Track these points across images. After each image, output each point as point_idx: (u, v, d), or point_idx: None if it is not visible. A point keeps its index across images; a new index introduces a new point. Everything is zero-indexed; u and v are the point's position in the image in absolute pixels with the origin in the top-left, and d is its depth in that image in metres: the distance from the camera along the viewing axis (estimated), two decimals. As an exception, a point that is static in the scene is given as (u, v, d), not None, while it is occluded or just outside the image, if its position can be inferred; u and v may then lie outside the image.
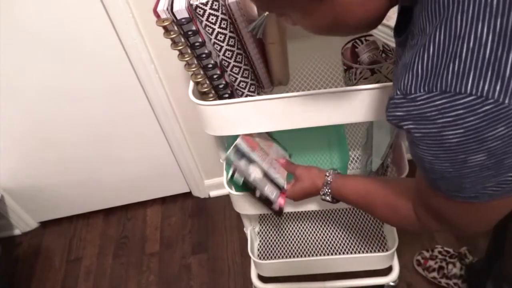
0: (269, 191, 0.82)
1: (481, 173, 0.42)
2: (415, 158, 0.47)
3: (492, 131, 0.38)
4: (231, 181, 0.84)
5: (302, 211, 1.31)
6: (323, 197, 0.80)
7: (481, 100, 0.37)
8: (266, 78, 0.83)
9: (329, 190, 0.79)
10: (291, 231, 1.28)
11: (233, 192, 0.97)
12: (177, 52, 0.75)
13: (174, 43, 0.72)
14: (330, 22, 0.49)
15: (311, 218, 1.30)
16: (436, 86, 0.39)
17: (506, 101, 0.37)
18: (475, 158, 0.41)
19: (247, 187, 0.80)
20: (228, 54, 0.74)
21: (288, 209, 1.06)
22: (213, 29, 0.70)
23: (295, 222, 1.30)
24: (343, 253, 1.19)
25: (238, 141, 0.81)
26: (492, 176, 0.43)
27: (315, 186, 0.81)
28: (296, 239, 1.25)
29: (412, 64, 0.42)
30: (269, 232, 1.29)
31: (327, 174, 0.79)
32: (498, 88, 0.37)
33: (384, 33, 0.71)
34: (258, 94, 0.84)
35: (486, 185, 0.45)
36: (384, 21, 0.69)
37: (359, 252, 1.18)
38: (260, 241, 1.27)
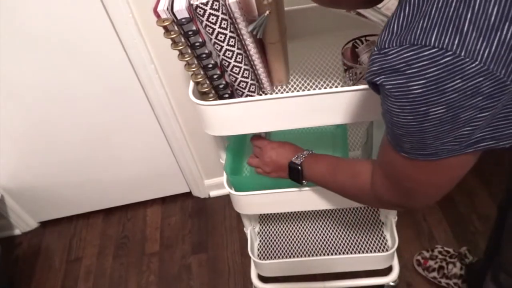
0: None
1: (440, 127, 0.46)
2: (385, 113, 0.51)
3: (450, 83, 0.42)
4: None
5: (302, 211, 1.31)
6: (294, 160, 0.81)
7: (442, 52, 0.41)
8: (266, 78, 0.83)
9: (304, 156, 0.82)
10: (291, 231, 1.28)
11: (233, 192, 0.97)
12: (177, 52, 0.75)
13: (174, 43, 0.72)
14: None
15: (311, 218, 1.30)
16: (406, 39, 0.43)
17: (462, 54, 0.40)
18: (435, 111, 0.44)
19: None
20: (228, 54, 0.74)
21: (288, 209, 1.06)
22: (214, 29, 0.70)
23: (295, 222, 1.30)
24: (343, 253, 1.19)
25: None
26: (449, 131, 0.46)
27: (289, 150, 0.84)
28: (296, 239, 1.25)
29: (390, 22, 0.47)
30: (269, 232, 1.29)
31: (302, 149, 0.84)
32: (456, 41, 0.40)
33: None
34: (258, 94, 0.84)
35: (444, 140, 0.48)
36: (387, 12, 0.69)
37: (359, 252, 1.18)
38: (260, 241, 1.27)
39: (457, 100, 0.43)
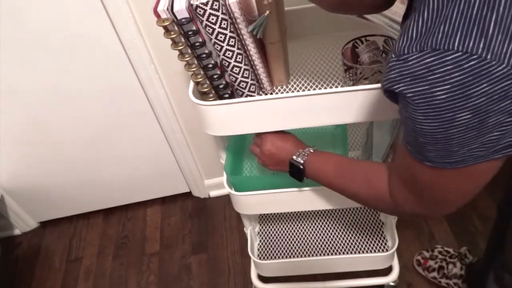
0: None
1: (467, 133, 0.44)
2: (406, 121, 0.49)
3: (476, 87, 0.41)
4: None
5: (302, 211, 1.31)
6: (296, 158, 0.77)
7: (466, 56, 0.40)
8: (266, 78, 0.83)
9: (307, 154, 0.77)
10: (291, 231, 1.28)
11: (233, 192, 0.97)
12: (177, 52, 0.75)
13: (174, 43, 0.72)
14: (339, 0, 0.52)
15: (311, 218, 1.30)
16: (427, 45, 0.42)
17: (488, 57, 0.39)
18: (461, 116, 0.43)
19: None
20: (229, 54, 0.74)
21: (288, 209, 1.06)
22: (214, 29, 0.70)
23: (295, 222, 1.30)
24: (343, 253, 1.19)
25: None
26: (476, 137, 0.45)
27: (291, 145, 0.80)
28: (296, 239, 1.25)
29: (408, 28, 0.45)
30: (269, 232, 1.29)
31: (306, 146, 0.80)
32: (481, 45, 0.39)
33: (391, 27, 0.71)
34: (258, 94, 0.84)
35: (472, 147, 0.46)
36: (390, 15, 0.69)
37: (359, 252, 1.18)
38: (260, 241, 1.27)
39: (484, 105, 0.42)
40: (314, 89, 0.84)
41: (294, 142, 0.82)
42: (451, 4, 0.42)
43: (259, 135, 0.85)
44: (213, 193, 1.68)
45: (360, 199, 0.72)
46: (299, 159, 0.78)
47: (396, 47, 0.46)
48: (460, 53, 0.40)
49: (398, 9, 0.68)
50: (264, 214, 1.33)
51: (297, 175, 0.80)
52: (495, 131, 0.44)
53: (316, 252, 1.21)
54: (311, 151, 0.79)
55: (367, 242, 1.20)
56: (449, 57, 0.41)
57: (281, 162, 0.81)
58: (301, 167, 0.77)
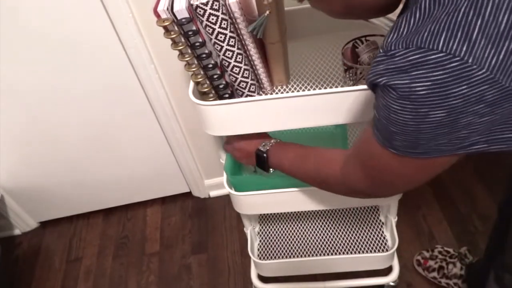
0: None
1: (437, 129, 0.46)
2: (381, 108, 0.50)
3: (455, 88, 0.42)
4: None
5: (302, 211, 1.31)
6: (260, 148, 0.83)
7: (449, 57, 0.41)
8: (266, 78, 0.83)
9: (271, 145, 0.83)
10: (291, 231, 1.28)
11: (233, 192, 0.97)
12: (177, 52, 0.75)
13: (174, 43, 0.72)
14: (342, 6, 0.53)
15: (311, 218, 1.30)
16: (412, 42, 0.44)
17: (470, 61, 0.41)
18: (436, 114, 0.45)
19: None
20: (229, 54, 0.74)
21: (288, 209, 1.06)
22: (214, 29, 0.70)
23: (295, 222, 1.30)
24: (343, 253, 1.19)
25: None
26: (446, 134, 0.47)
27: (258, 138, 0.85)
28: (296, 239, 1.25)
29: (398, 25, 0.47)
30: (269, 232, 1.29)
31: (272, 138, 0.86)
32: (464, 48, 0.41)
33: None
34: (258, 94, 0.84)
35: (438, 142, 0.48)
36: (390, 16, 0.69)
37: (359, 252, 1.18)
38: (260, 241, 1.27)
39: (460, 106, 0.43)
40: (314, 89, 0.84)
41: (262, 136, 0.86)
42: (441, 6, 0.43)
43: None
44: (213, 193, 1.68)
45: (314, 180, 0.76)
46: (263, 148, 0.83)
47: (385, 42, 0.47)
48: (443, 54, 0.41)
49: (398, 10, 0.68)
50: (264, 214, 1.33)
51: (262, 165, 0.84)
52: (464, 130, 0.46)
53: (316, 252, 1.21)
54: (275, 141, 0.84)
55: (367, 242, 1.20)
56: (433, 56, 0.42)
57: (250, 155, 0.86)
58: (265, 155, 0.82)
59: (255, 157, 0.85)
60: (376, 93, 0.52)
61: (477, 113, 0.44)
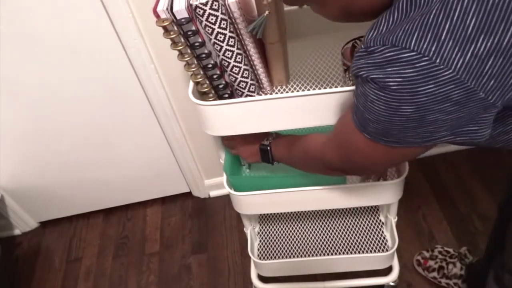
0: None
1: (406, 123, 0.49)
2: (360, 95, 0.53)
3: (423, 85, 0.45)
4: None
5: (302, 211, 1.31)
6: (264, 142, 0.87)
7: (419, 57, 0.44)
8: (265, 78, 0.83)
9: (272, 139, 0.88)
10: (291, 231, 1.28)
11: (233, 192, 0.97)
12: (177, 52, 0.75)
13: (174, 43, 0.72)
14: (339, 11, 0.56)
15: (311, 218, 1.30)
16: (388, 40, 0.46)
17: (438, 61, 0.43)
18: (405, 109, 0.47)
19: None
20: (228, 54, 0.74)
21: (288, 209, 1.06)
22: (213, 29, 0.70)
23: (295, 222, 1.30)
24: (343, 253, 1.19)
25: None
26: (414, 128, 0.50)
27: (260, 135, 0.88)
28: (296, 239, 1.25)
29: (378, 24, 0.50)
30: (269, 232, 1.29)
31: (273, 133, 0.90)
32: (433, 48, 0.43)
33: None
34: (258, 94, 0.84)
35: (408, 134, 0.52)
36: None
37: (359, 252, 1.18)
38: (260, 241, 1.27)
39: (427, 103, 0.46)
40: (314, 89, 0.84)
41: (261, 133, 0.89)
42: (417, 7, 0.46)
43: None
44: (213, 193, 1.68)
45: (302, 164, 0.82)
46: (266, 142, 0.87)
47: (365, 38, 0.51)
48: (414, 53, 0.44)
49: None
50: (264, 214, 1.33)
51: (267, 158, 0.88)
52: (431, 126, 0.49)
53: (316, 252, 1.21)
54: (275, 135, 0.88)
55: (367, 242, 1.20)
56: (405, 55, 0.45)
57: (255, 153, 0.90)
58: (268, 148, 0.86)
59: (259, 154, 0.89)
60: (357, 82, 0.55)
61: (444, 111, 0.46)
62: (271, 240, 1.27)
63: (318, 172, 0.79)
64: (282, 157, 0.86)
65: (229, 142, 0.96)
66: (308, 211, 1.30)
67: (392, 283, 1.23)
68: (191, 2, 0.67)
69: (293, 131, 0.85)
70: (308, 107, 0.75)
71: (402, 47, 0.45)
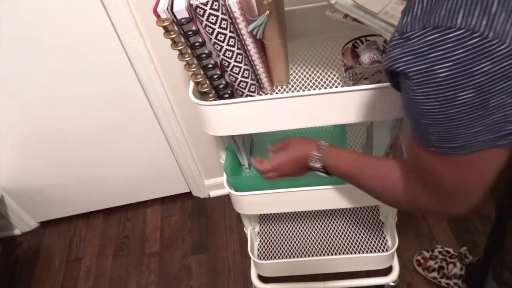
0: None
1: (469, 113, 0.43)
2: (408, 104, 0.48)
3: (478, 65, 0.40)
4: None
5: (302, 211, 1.31)
6: (312, 163, 0.76)
7: (469, 34, 0.40)
8: (266, 78, 0.83)
9: (321, 155, 0.75)
10: (291, 231, 1.28)
11: (233, 192, 0.97)
12: (177, 52, 0.75)
13: (174, 43, 0.72)
14: None
15: (311, 218, 1.30)
16: (429, 21, 0.42)
17: (490, 35, 0.39)
18: (463, 95, 0.42)
19: None
20: (228, 54, 0.74)
21: (288, 209, 1.06)
22: (213, 29, 0.70)
23: (295, 222, 1.30)
24: (343, 253, 1.19)
25: None
26: (479, 118, 0.44)
27: (305, 150, 0.77)
28: (296, 239, 1.25)
29: (412, 7, 0.45)
30: (269, 232, 1.29)
31: (321, 142, 0.77)
32: (484, 23, 0.39)
33: (387, 31, 0.71)
34: (258, 94, 0.84)
35: (475, 130, 0.45)
36: (387, 19, 0.69)
37: (359, 252, 1.18)
38: (260, 241, 1.27)
39: (486, 84, 0.41)
40: (314, 89, 0.84)
41: (301, 154, 0.78)
42: None
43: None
44: (213, 193, 1.68)
45: (379, 196, 0.69)
46: (316, 164, 0.76)
47: (399, 25, 0.46)
48: (462, 31, 0.40)
49: (394, 12, 0.67)
50: (264, 214, 1.33)
51: (318, 171, 0.78)
52: (498, 114, 0.43)
53: (316, 252, 1.21)
54: (323, 152, 0.76)
55: (367, 242, 1.20)
56: (451, 34, 0.41)
57: (301, 170, 0.81)
58: (320, 166, 0.76)
59: (308, 172, 0.80)
60: (398, 88, 0.50)
61: (506, 91, 0.42)
62: (271, 240, 1.27)
63: (401, 209, 0.68)
64: (339, 170, 0.74)
65: (272, 175, 0.84)
66: (308, 211, 1.30)
67: (392, 283, 1.23)
68: (191, 2, 0.67)
69: (293, 131, 0.85)
70: (308, 107, 0.75)
71: (447, 27, 0.41)
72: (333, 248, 1.21)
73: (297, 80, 0.87)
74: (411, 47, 0.43)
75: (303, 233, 1.27)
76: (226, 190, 0.98)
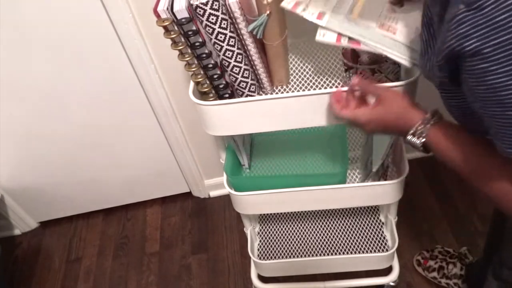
0: None
1: None
2: (484, 95, 0.38)
3: None
4: None
5: (302, 211, 1.31)
6: (411, 137, 0.59)
7: None
8: (266, 78, 0.83)
9: (427, 132, 0.58)
10: (291, 231, 1.28)
11: (233, 192, 0.97)
12: (177, 52, 0.75)
13: (174, 43, 0.72)
14: None
15: (311, 218, 1.30)
16: None
17: None
18: None
19: None
20: (229, 54, 0.74)
21: (288, 209, 1.06)
22: (213, 29, 0.70)
23: (295, 222, 1.30)
24: (343, 253, 1.19)
25: None
26: None
27: (405, 118, 0.60)
28: (296, 239, 1.25)
29: None
30: (269, 232, 1.29)
31: (429, 113, 0.60)
32: None
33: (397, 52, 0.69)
34: (258, 94, 0.84)
35: None
36: (392, 35, 0.68)
37: (359, 252, 1.18)
38: (260, 241, 1.27)
39: None
40: (314, 89, 0.84)
41: (407, 109, 0.62)
42: None
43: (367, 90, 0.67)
44: (213, 193, 1.68)
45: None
46: (416, 140, 0.59)
47: None
48: None
49: (391, 22, 0.67)
50: (264, 214, 1.33)
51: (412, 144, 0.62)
52: None
53: (316, 252, 1.21)
54: (438, 117, 0.59)
55: (367, 242, 1.20)
56: None
57: (386, 133, 0.68)
58: (421, 148, 0.60)
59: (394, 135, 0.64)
60: (451, 80, 0.40)
61: None
62: (271, 240, 1.27)
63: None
64: (448, 157, 0.57)
65: (349, 123, 0.68)
66: (308, 211, 1.30)
67: (392, 283, 1.23)
68: (191, 2, 0.67)
69: (292, 131, 0.85)
70: (309, 107, 0.76)
71: None
72: (333, 248, 1.21)
73: (297, 80, 0.87)
74: (486, 18, 0.35)
75: (303, 233, 1.27)
76: (226, 190, 0.98)
